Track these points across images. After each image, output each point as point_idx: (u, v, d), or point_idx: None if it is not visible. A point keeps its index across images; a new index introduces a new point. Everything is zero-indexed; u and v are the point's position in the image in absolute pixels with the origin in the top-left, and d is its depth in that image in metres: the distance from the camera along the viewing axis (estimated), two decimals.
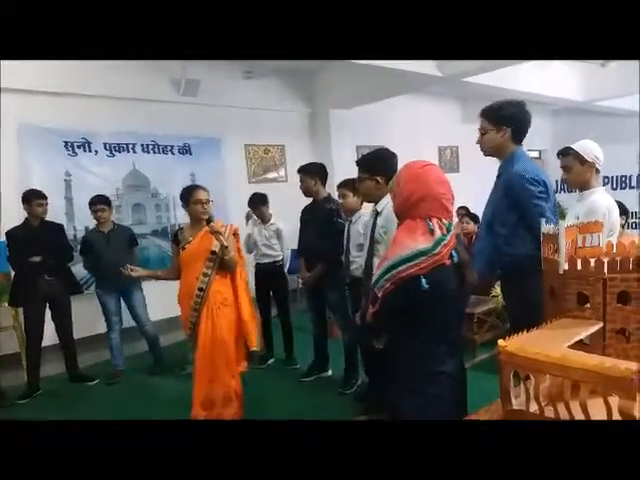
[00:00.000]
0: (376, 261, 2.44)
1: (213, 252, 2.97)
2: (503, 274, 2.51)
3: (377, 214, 2.69)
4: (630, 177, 6.41)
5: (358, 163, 2.84)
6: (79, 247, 4.54)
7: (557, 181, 5.34)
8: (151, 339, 4.52)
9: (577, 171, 2.68)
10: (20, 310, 4.12)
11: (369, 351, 3.23)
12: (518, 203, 2.25)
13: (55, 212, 4.78)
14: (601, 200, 2.61)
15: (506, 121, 2.29)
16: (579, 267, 1.52)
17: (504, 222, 2.31)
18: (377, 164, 2.73)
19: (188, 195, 3.06)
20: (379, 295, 1.63)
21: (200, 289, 2.98)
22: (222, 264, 3.01)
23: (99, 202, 4.27)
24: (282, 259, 4.45)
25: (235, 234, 3.15)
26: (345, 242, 3.39)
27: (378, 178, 2.68)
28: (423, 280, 1.55)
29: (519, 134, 2.33)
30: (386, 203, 2.57)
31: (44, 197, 3.99)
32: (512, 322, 2.64)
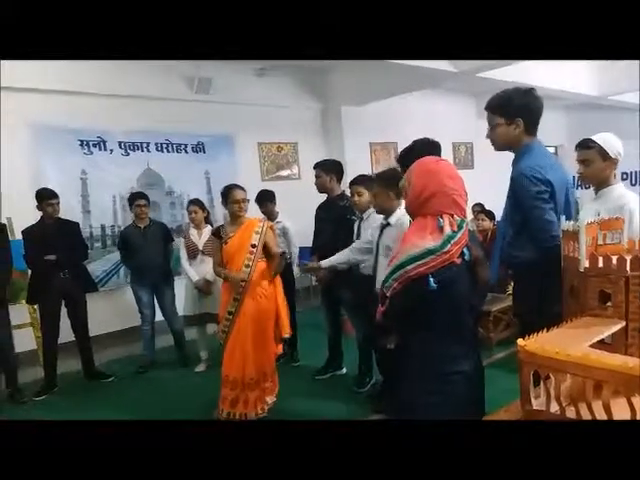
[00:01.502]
0: None
1: (253, 245, 3.22)
2: (513, 276, 2.44)
3: None
4: None
5: (396, 158, 2.78)
6: (117, 241, 4.69)
7: (574, 177, 5.25)
8: (177, 334, 4.60)
9: (598, 167, 2.48)
10: (37, 308, 4.16)
11: (381, 351, 3.21)
12: (519, 203, 2.12)
13: (71, 210, 4.84)
14: (629, 197, 2.44)
15: (518, 112, 2.12)
16: (600, 265, 1.48)
17: (511, 222, 2.21)
18: (409, 158, 2.61)
19: (226, 195, 3.29)
20: (387, 295, 1.61)
21: (242, 280, 3.16)
22: (265, 256, 3.29)
23: (140, 198, 4.41)
24: (289, 257, 4.43)
25: (272, 228, 3.42)
26: (355, 240, 3.37)
27: None
28: (431, 279, 1.52)
29: (532, 125, 2.15)
30: None
31: (55, 196, 3.99)
32: (519, 324, 2.58)
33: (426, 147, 2.55)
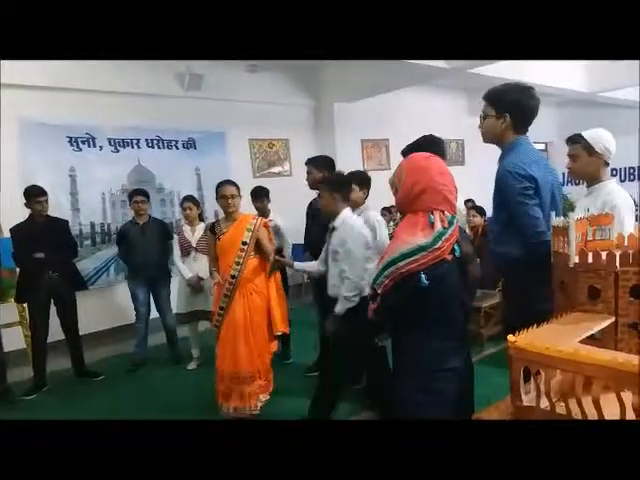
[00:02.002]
0: None
1: (244, 242, 3.22)
2: (501, 273, 2.45)
3: None
4: (637, 169, 6.38)
5: (401, 152, 2.74)
6: (116, 237, 4.65)
7: (564, 174, 5.28)
8: (170, 332, 4.59)
9: (584, 162, 2.47)
10: (26, 306, 4.13)
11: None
12: (504, 200, 2.10)
13: (60, 208, 4.80)
14: (618, 193, 2.43)
15: (507, 107, 2.08)
16: (590, 260, 1.49)
17: (497, 219, 2.19)
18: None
19: (217, 190, 3.30)
20: (379, 292, 1.61)
21: (232, 276, 3.19)
22: (259, 253, 3.28)
23: (138, 194, 4.39)
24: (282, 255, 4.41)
25: (265, 225, 3.40)
26: None
27: None
28: (423, 276, 1.52)
29: (520, 123, 2.13)
30: None
31: (43, 194, 3.93)
32: (504, 320, 2.59)
33: (432, 144, 2.49)
